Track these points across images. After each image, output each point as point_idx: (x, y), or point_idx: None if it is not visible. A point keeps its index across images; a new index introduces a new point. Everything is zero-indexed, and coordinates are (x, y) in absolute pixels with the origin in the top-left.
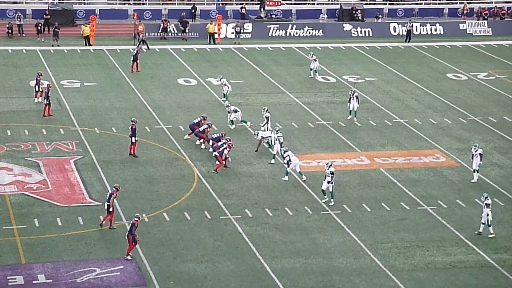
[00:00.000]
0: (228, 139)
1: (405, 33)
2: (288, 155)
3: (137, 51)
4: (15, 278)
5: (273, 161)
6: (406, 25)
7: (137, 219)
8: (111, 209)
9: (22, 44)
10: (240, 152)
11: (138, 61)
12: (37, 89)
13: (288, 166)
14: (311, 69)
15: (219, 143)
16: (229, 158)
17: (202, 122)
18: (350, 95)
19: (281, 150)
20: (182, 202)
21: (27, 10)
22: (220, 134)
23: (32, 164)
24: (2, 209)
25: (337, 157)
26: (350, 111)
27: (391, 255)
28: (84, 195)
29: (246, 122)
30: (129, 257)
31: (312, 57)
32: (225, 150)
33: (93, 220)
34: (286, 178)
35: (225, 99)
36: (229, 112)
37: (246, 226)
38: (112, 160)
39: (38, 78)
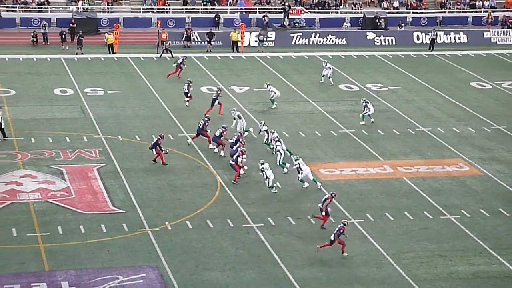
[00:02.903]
0: (241, 143)
1: (428, 41)
2: (298, 164)
3: (183, 59)
4: (38, 285)
5: (285, 170)
6: (430, 33)
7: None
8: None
9: (46, 52)
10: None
11: (182, 68)
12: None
13: (299, 174)
14: (323, 76)
15: (234, 148)
16: (245, 167)
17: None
18: (363, 104)
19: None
20: (205, 210)
21: (52, 18)
22: (237, 137)
23: (56, 171)
24: (26, 217)
25: (360, 166)
26: (363, 115)
27: (414, 264)
28: (107, 203)
29: (247, 131)
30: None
31: (326, 65)
32: (238, 158)
33: (115, 228)
34: (306, 184)
35: (272, 105)
36: (234, 119)
37: (268, 234)
38: (135, 168)
39: (189, 84)
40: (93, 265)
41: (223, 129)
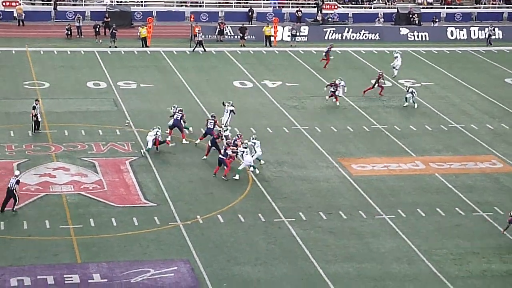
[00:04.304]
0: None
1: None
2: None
3: (328, 48)
4: (71, 277)
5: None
6: (486, 29)
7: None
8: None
9: (80, 45)
10: (294, 156)
11: (329, 58)
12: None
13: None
14: (393, 68)
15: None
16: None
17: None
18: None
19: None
20: (237, 205)
21: (86, 12)
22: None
23: (89, 164)
24: (59, 209)
25: (392, 162)
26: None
27: (446, 261)
28: (139, 196)
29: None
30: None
31: (396, 56)
32: (227, 151)
33: (147, 221)
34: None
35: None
36: (226, 112)
37: (300, 229)
38: (167, 161)
39: (380, 77)
40: (125, 258)
41: (237, 136)
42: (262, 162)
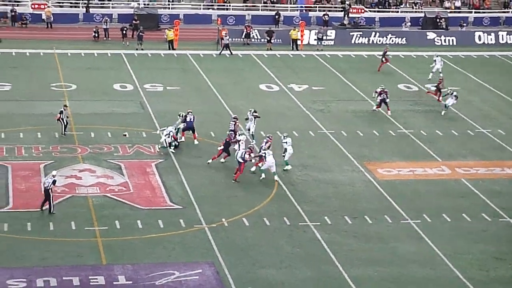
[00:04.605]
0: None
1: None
2: (265, 153)
3: (384, 51)
4: (96, 279)
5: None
6: None
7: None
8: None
9: (107, 47)
10: (320, 160)
11: (386, 60)
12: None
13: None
14: (432, 72)
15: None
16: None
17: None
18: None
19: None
20: (262, 208)
21: (113, 14)
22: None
23: (114, 166)
24: (85, 210)
25: (418, 166)
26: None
27: (471, 266)
28: (164, 198)
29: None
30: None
31: (436, 58)
32: (246, 155)
33: (173, 224)
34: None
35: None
36: (247, 119)
37: (324, 233)
38: (193, 164)
39: (441, 82)
40: (150, 260)
41: (268, 138)
42: (289, 167)
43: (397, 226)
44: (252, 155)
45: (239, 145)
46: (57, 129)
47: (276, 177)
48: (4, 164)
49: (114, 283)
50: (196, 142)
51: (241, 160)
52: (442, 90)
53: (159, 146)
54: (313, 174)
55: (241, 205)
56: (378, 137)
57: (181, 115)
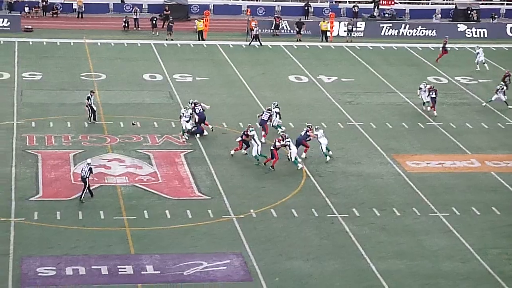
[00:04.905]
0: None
1: None
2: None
3: (444, 42)
4: (124, 268)
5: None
6: None
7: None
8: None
9: (137, 37)
10: (348, 151)
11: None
12: None
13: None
14: (477, 63)
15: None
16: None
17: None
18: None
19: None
20: (290, 199)
21: (143, 4)
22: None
23: (143, 156)
24: (114, 200)
25: (447, 159)
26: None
27: (500, 260)
28: (193, 189)
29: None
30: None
31: (478, 51)
32: (277, 143)
33: (201, 214)
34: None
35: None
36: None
37: (352, 225)
38: (222, 154)
39: (507, 76)
40: (178, 250)
41: (308, 128)
42: (330, 153)
43: (425, 219)
44: (282, 142)
45: (254, 140)
46: (86, 119)
47: (300, 166)
48: (34, 153)
49: (142, 272)
50: (210, 128)
51: (272, 148)
52: (508, 83)
53: (182, 133)
54: (342, 166)
55: (269, 196)
56: (407, 129)
57: (190, 102)
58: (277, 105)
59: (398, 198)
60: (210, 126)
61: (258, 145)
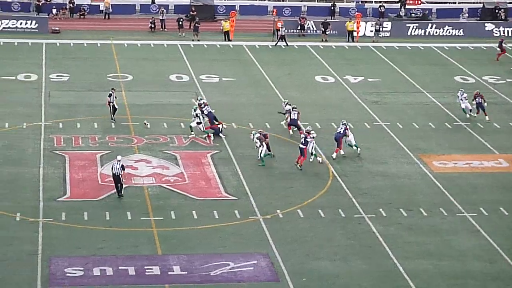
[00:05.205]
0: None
1: None
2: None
3: (500, 41)
4: (151, 268)
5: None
6: None
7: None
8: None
9: (163, 38)
10: (375, 151)
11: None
12: None
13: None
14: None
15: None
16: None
17: (346, 128)
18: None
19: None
20: (317, 200)
21: (170, 5)
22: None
23: (170, 157)
24: (141, 201)
25: (474, 159)
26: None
27: None
28: (219, 189)
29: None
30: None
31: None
32: (307, 139)
33: (227, 214)
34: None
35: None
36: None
37: (379, 225)
38: (248, 155)
39: None
40: (205, 251)
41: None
42: (358, 150)
43: (452, 219)
44: (309, 138)
45: (260, 143)
46: (112, 118)
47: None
48: (61, 154)
49: (169, 273)
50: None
51: (302, 146)
52: None
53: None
54: (368, 166)
55: (295, 197)
56: (434, 129)
57: (198, 100)
58: (287, 102)
59: (425, 198)
60: (219, 126)
61: (263, 146)
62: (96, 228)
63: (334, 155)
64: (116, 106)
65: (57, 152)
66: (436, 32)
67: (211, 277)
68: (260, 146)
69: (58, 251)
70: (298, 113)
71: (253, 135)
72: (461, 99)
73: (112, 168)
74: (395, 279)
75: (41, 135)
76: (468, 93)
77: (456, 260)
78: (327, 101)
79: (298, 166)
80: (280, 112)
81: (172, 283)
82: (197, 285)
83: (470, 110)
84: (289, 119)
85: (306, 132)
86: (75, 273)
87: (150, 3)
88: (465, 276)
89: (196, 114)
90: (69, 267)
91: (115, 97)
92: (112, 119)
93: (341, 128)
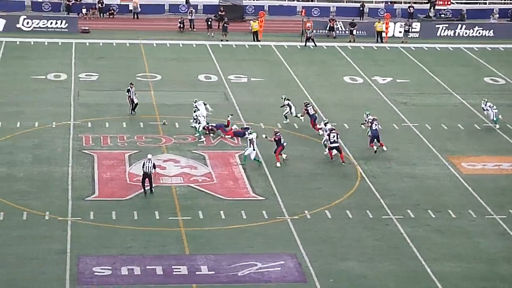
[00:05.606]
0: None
1: None
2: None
3: None
4: (179, 268)
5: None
6: None
7: None
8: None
9: (192, 38)
10: (403, 153)
11: None
12: None
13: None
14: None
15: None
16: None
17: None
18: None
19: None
20: (344, 200)
21: (198, 5)
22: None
23: (198, 157)
24: (169, 200)
25: (504, 161)
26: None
27: None
28: (247, 189)
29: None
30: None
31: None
32: (336, 137)
33: (255, 215)
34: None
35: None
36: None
37: (407, 227)
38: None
39: None
40: (232, 251)
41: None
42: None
43: (481, 221)
44: (332, 137)
45: (252, 143)
46: (142, 119)
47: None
48: (90, 153)
49: (197, 273)
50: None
51: (334, 144)
52: None
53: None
54: (396, 167)
55: (323, 198)
56: (463, 130)
57: (195, 101)
58: (286, 97)
59: (453, 200)
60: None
61: (254, 150)
62: (124, 228)
63: (384, 148)
64: (136, 101)
65: (85, 151)
66: (466, 33)
67: (238, 277)
68: (249, 146)
69: (86, 250)
70: (313, 108)
71: (248, 134)
72: (486, 109)
73: (143, 167)
74: (422, 281)
75: (70, 134)
76: (497, 95)
77: (485, 263)
78: (355, 101)
79: (343, 163)
80: (297, 116)
81: (199, 283)
82: (224, 285)
83: (495, 121)
84: (289, 112)
85: (328, 129)
86: (103, 272)
87: (179, 3)
88: (494, 278)
89: (196, 115)
90: (97, 266)
91: (135, 93)
92: (131, 113)
93: (375, 124)
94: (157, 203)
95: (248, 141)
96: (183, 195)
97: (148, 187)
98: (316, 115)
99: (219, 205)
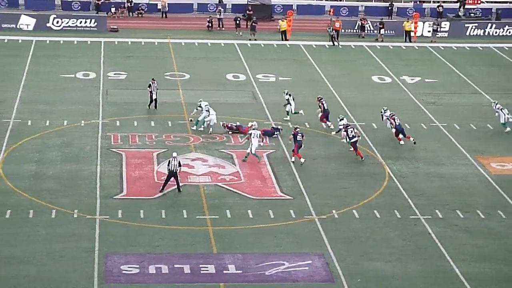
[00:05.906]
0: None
1: None
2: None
3: None
4: (207, 267)
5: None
6: None
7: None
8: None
9: (220, 37)
10: (431, 152)
11: None
12: None
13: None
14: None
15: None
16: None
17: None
18: None
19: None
20: (372, 200)
21: (227, 4)
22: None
23: (226, 156)
24: (197, 199)
25: None
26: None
27: None
28: (275, 189)
29: (296, 113)
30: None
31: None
32: (353, 132)
33: (283, 214)
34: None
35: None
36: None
37: (436, 227)
38: (304, 154)
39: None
40: (260, 250)
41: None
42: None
43: (511, 222)
44: (354, 133)
45: (252, 140)
46: (170, 118)
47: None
48: (118, 152)
49: (224, 272)
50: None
51: (356, 139)
52: None
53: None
54: (425, 167)
55: (351, 197)
56: (492, 130)
57: (200, 102)
58: (287, 92)
59: (482, 200)
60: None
61: (253, 145)
62: (152, 226)
63: (411, 139)
64: (155, 96)
65: (114, 150)
66: (495, 32)
67: (266, 277)
68: (252, 142)
69: (114, 248)
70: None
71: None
72: (496, 111)
73: (168, 164)
74: (450, 282)
75: (99, 132)
76: None
77: None
78: (383, 101)
79: (360, 158)
80: (296, 112)
81: (226, 282)
82: (252, 285)
83: (503, 124)
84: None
85: (343, 125)
86: (131, 271)
87: (207, 2)
88: None
89: (208, 108)
90: (125, 264)
91: (156, 88)
92: (149, 107)
93: (396, 118)
94: (185, 202)
95: (249, 135)
96: (211, 194)
97: (176, 186)
98: (329, 110)
99: (247, 204)
